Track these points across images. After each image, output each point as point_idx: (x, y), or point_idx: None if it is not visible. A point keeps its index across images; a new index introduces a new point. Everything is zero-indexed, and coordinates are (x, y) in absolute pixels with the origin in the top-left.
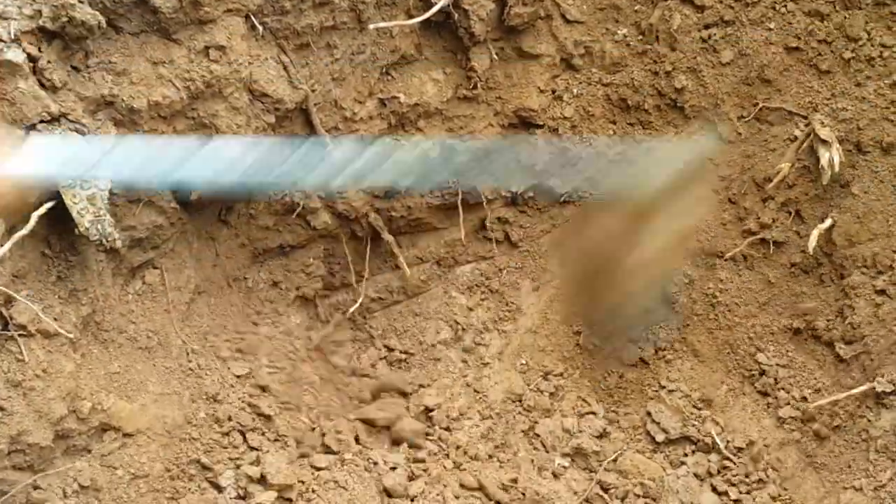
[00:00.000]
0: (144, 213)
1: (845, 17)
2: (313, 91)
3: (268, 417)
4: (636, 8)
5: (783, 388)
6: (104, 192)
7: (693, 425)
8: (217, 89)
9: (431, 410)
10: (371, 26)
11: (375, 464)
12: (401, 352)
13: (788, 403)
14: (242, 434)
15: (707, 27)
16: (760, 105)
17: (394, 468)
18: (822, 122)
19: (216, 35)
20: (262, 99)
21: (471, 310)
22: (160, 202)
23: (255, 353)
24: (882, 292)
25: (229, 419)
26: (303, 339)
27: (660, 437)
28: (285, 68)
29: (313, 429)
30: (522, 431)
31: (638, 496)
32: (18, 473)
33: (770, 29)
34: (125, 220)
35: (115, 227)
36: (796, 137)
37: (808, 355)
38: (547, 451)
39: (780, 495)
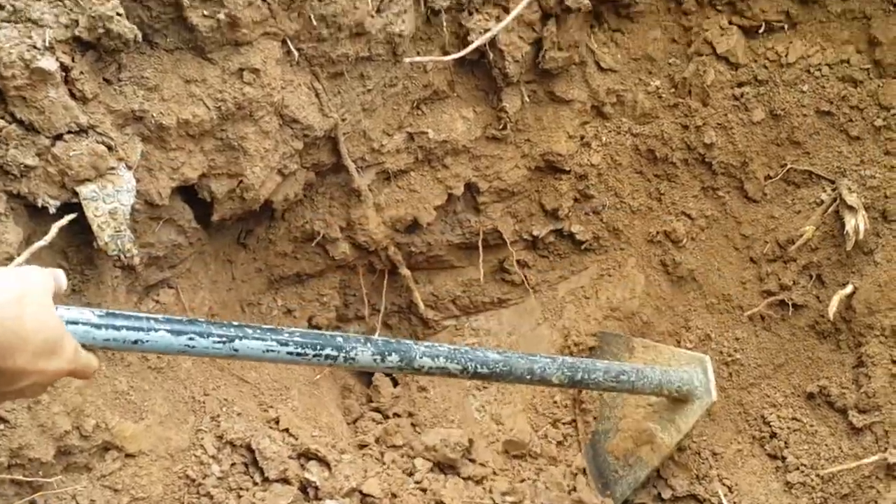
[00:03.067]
0: (164, 231)
1: (879, 86)
2: (343, 120)
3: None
4: (670, 61)
5: (793, 453)
6: (126, 207)
7: (700, 484)
8: (248, 112)
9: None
10: (406, 60)
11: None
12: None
13: (798, 468)
14: (246, 465)
15: (740, 85)
16: (788, 166)
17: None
18: (850, 188)
19: (251, 57)
20: (291, 124)
21: None
22: (181, 221)
23: (264, 381)
24: None
25: (235, 446)
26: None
27: (666, 494)
28: (317, 95)
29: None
30: (529, 478)
31: None
32: (16, 488)
33: (803, 91)
34: (144, 236)
35: (134, 244)
36: (822, 201)
37: (821, 421)
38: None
39: None
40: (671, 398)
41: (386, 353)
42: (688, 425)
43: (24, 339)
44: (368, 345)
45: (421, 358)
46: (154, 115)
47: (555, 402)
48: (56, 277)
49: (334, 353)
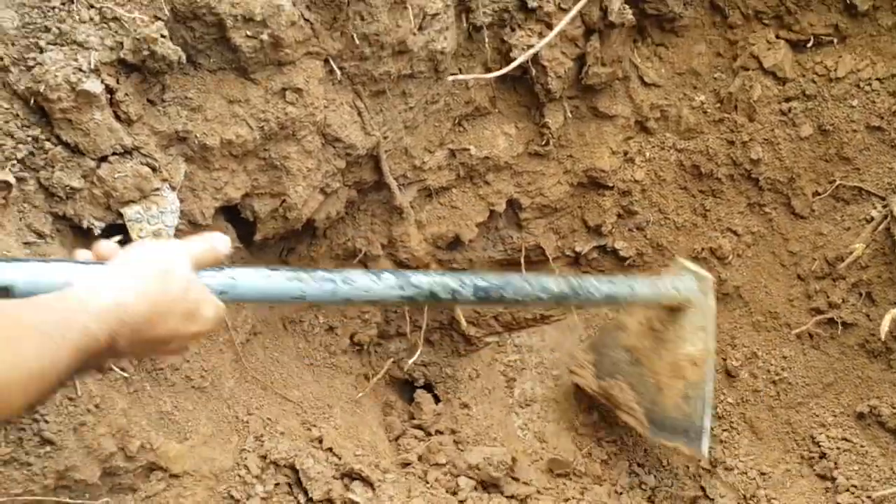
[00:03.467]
0: None
1: None
2: (385, 138)
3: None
4: (716, 76)
5: (843, 474)
6: (170, 227)
7: None
8: (291, 131)
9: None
10: (449, 78)
11: None
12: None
13: (848, 490)
14: (290, 485)
15: (788, 100)
16: (837, 182)
17: None
18: None
19: (294, 77)
20: (334, 143)
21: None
22: None
23: (307, 399)
24: None
25: (279, 466)
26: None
27: None
28: (359, 114)
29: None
30: (573, 497)
31: None
32: None
33: (853, 106)
34: None
35: None
36: (872, 218)
37: (872, 441)
38: None
39: None
40: (672, 309)
41: (381, 275)
42: (710, 322)
43: (170, 308)
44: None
45: (415, 276)
46: (197, 135)
47: (598, 422)
48: (214, 244)
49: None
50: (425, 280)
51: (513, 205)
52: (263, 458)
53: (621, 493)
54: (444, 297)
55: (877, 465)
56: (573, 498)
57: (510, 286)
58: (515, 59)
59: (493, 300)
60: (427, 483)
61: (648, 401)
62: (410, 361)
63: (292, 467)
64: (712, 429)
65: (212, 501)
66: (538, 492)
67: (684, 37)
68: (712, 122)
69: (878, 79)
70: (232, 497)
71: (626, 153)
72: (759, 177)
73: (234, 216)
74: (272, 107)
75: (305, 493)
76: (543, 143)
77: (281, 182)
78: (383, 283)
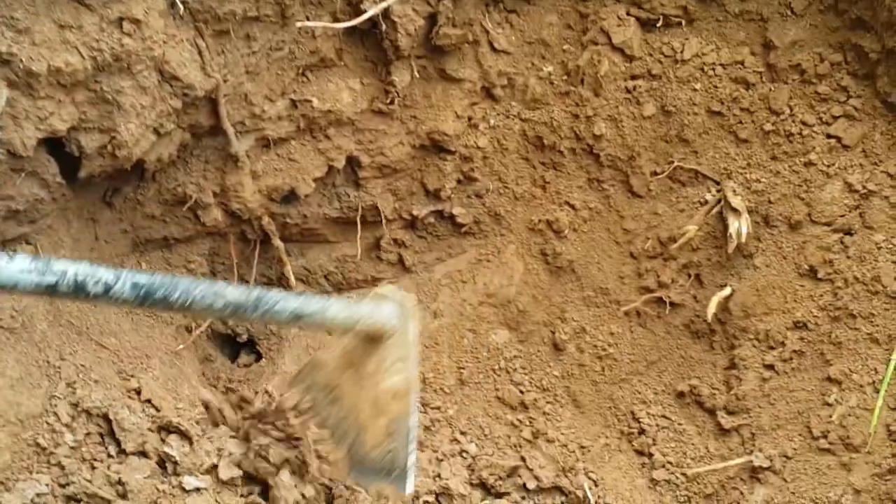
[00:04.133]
0: (26, 184)
1: (770, 90)
2: (225, 81)
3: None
4: (565, 47)
5: (660, 451)
6: None
7: (566, 477)
8: (126, 64)
9: None
10: (297, 24)
11: None
12: None
13: (664, 466)
14: (102, 436)
15: (634, 78)
16: (675, 164)
17: None
18: (735, 190)
19: (133, 7)
20: (171, 81)
21: None
22: (45, 174)
23: (124, 348)
24: (770, 367)
25: (91, 415)
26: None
27: (531, 485)
28: (200, 53)
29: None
30: None
31: None
32: None
33: (695, 90)
34: (4, 188)
35: None
36: (707, 201)
37: (689, 420)
38: (416, 491)
39: None
40: (371, 340)
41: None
42: (411, 350)
43: None
44: None
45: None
46: (23, 59)
47: (423, 385)
48: None
49: None
50: (71, 268)
51: (352, 162)
52: (75, 405)
53: (442, 461)
54: (94, 291)
55: (693, 444)
56: None
57: (178, 288)
58: (366, 11)
59: (156, 302)
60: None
61: (349, 443)
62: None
63: (105, 417)
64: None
65: (16, 447)
66: None
67: (537, 5)
68: (558, 94)
69: (721, 64)
70: (38, 445)
71: (470, 119)
72: (600, 153)
73: (57, 150)
74: (107, 36)
75: (118, 443)
76: (388, 101)
77: (111, 117)
78: (16, 264)
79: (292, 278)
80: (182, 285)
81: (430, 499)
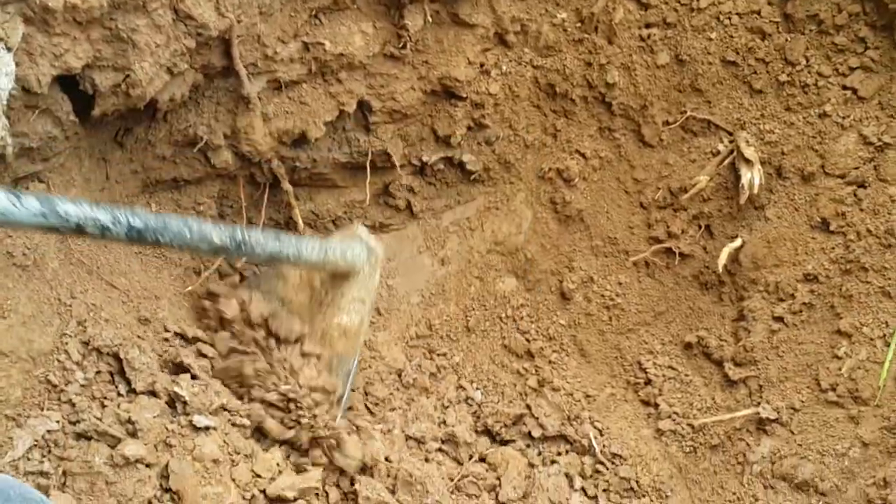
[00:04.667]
0: (40, 122)
1: (787, 40)
2: (239, 22)
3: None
4: None
5: (666, 401)
6: (4, 91)
7: (571, 425)
8: (141, 2)
9: None
10: None
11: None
12: None
13: (670, 416)
14: (112, 374)
15: (648, 26)
16: (688, 114)
17: None
18: (748, 141)
19: None
20: (186, 21)
21: None
22: (59, 112)
23: (134, 288)
24: (780, 319)
25: (101, 354)
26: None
27: (536, 433)
28: None
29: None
30: (399, 408)
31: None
32: None
33: (710, 39)
34: (18, 125)
35: (7, 131)
36: (719, 152)
37: (696, 371)
38: (422, 437)
39: None
40: (335, 275)
41: (22, 198)
42: (370, 297)
43: None
44: None
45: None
46: None
47: (429, 332)
48: None
49: None
50: (73, 210)
51: (363, 107)
52: (86, 344)
53: (447, 407)
54: (92, 233)
55: (699, 395)
56: (399, 408)
57: (168, 230)
58: None
59: (147, 242)
60: None
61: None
62: (243, 259)
63: (115, 356)
64: (350, 408)
65: (27, 384)
66: None
67: None
68: (571, 42)
69: (738, 13)
70: (49, 382)
71: (482, 65)
72: (612, 101)
73: (71, 87)
74: None
75: (128, 383)
76: (400, 45)
77: (126, 55)
78: (25, 207)
79: (300, 222)
80: (171, 228)
81: (436, 445)
